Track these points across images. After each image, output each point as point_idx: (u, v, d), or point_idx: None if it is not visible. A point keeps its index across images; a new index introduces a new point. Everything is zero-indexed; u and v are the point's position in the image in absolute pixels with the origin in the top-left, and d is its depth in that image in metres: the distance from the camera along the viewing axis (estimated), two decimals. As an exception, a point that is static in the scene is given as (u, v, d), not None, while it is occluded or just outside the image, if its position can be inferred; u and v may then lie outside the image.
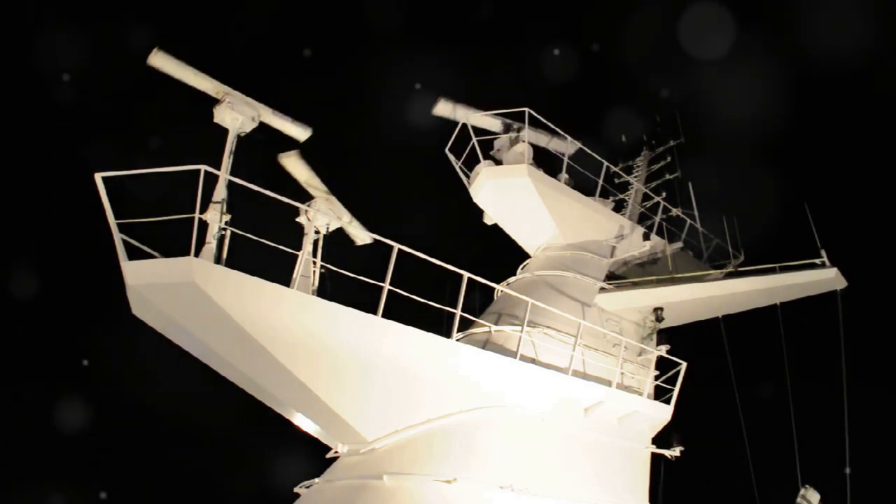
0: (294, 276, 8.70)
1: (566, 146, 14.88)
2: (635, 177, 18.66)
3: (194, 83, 8.37)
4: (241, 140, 8.62)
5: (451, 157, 14.68)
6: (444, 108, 14.40)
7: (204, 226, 7.73)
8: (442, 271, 9.30)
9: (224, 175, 7.89)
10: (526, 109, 13.89)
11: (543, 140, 14.82)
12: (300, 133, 9.15)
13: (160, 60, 8.17)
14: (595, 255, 14.18)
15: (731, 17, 26.16)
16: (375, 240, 9.23)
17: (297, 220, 9.51)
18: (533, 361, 10.72)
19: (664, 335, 13.70)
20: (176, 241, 7.25)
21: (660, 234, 15.90)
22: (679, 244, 15.92)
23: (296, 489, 9.50)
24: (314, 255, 9.22)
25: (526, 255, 15.18)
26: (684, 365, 12.52)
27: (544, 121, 14.08)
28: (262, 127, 8.83)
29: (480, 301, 11.95)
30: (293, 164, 9.39)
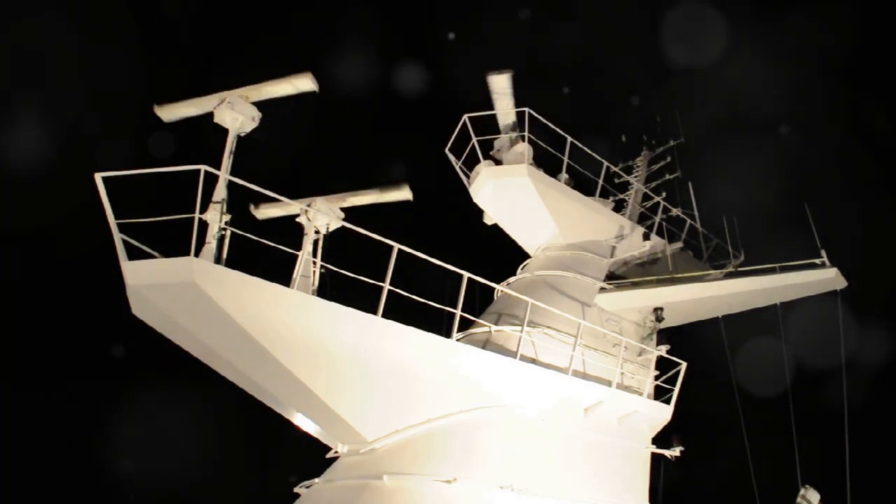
0: (294, 276, 8.70)
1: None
2: (635, 177, 18.66)
3: (203, 110, 8.44)
4: (241, 140, 8.62)
5: (451, 157, 14.68)
6: (499, 82, 13.92)
7: (204, 226, 7.73)
8: (442, 271, 9.31)
9: (224, 175, 7.89)
10: (526, 110, 13.89)
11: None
12: (300, 86, 8.60)
13: (168, 113, 8.41)
14: (595, 255, 14.19)
15: (731, 14, 26.18)
16: (376, 240, 9.21)
17: (297, 220, 9.53)
18: (533, 361, 10.72)
19: (664, 335, 13.71)
20: (176, 241, 7.25)
21: (660, 234, 15.90)
22: (679, 244, 15.93)
23: (296, 489, 9.51)
24: (314, 255, 9.22)
25: (526, 255, 15.18)
26: (684, 365, 12.52)
27: (544, 121, 14.08)
28: (263, 127, 8.82)
29: (480, 301, 11.96)
30: (392, 195, 9.50)
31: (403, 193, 9.77)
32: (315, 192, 9.65)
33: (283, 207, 9.78)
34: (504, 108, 14.32)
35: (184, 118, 8.48)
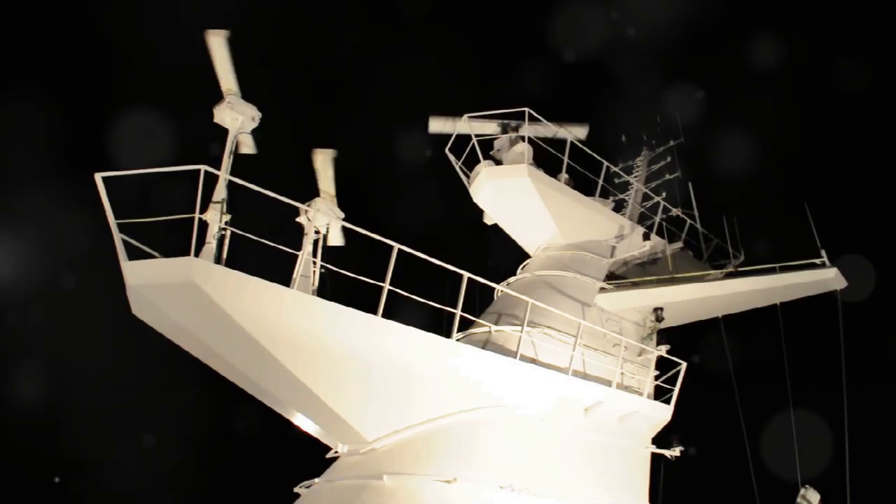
0: (294, 276, 8.70)
1: (578, 131, 14.71)
2: (635, 177, 18.66)
3: (220, 75, 8.30)
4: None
5: (451, 157, 14.68)
6: (438, 125, 14.37)
7: (204, 226, 7.74)
8: (442, 271, 9.31)
9: (224, 175, 7.89)
10: (526, 109, 13.89)
11: (550, 131, 14.66)
12: (249, 147, 8.88)
13: (217, 42, 8.04)
14: (595, 255, 14.18)
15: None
16: (374, 239, 9.20)
17: (297, 220, 9.52)
18: (533, 361, 10.72)
19: (664, 335, 13.71)
20: (176, 241, 7.25)
21: (660, 234, 15.89)
22: (679, 244, 15.91)
23: (296, 489, 9.50)
24: (314, 255, 9.22)
25: (526, 255, 15.18)
26: (684, 365, 12.52)
27: (544, 121, 14.08)
28: (263, 127, 8.81)
29: (480, 301, 11.97)
30: (323, 163, 9.38)
31: (326, 155, 9.65)
32: (315, 193, 9.65)
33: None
34: (468, 130, 14.39)
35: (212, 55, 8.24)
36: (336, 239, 9.84)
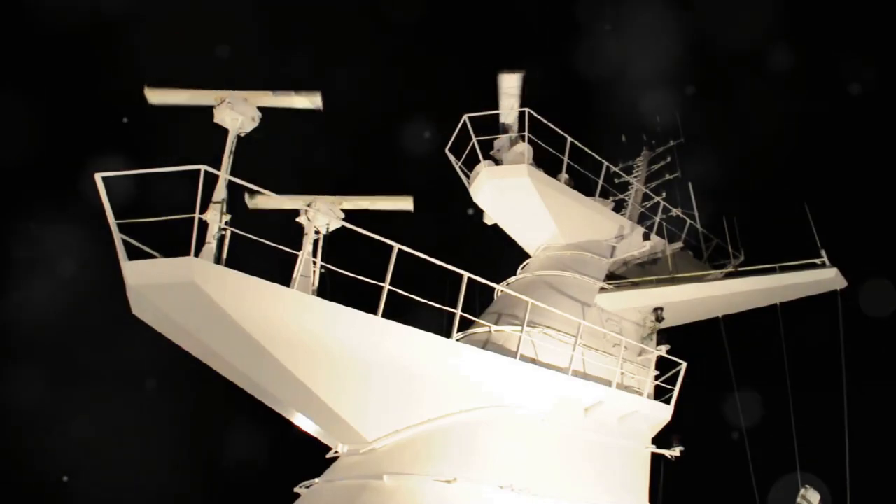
0: (294, 276, 8.70)
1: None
2: (635, 177, 18.67)
3: (195, 102, 8.32)
4: (241, 140, 8.61)
5: (451, 157, 14.67)
6: (509, 81, 13.82)
7: (204, 226, 7.73)
8: (442, 271, 9.31)
9: (224, 175, 7.89)
10: (526, 109, 13.87)
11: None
12: (311, 102, 8.68)
13: (157, 97, 8.15)
14: (595, 255, 14.19)
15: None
16: (376, 240, 9.18)
17: (297, 220, 9.52)
18: (533, 361, 10.72)
19: (664, 335, 13.72)
20: (176, 241, 7.25)
21: (660, 234, 15.90)
22: (679, 244, 15.93)
23: (296, 489, 9.51)
24: (314, 255, 9.22)
25: (526, 255, 15.18)
26: (684, 365, 12.53)
27: (544, 121, 14.07)
28: (263, 126, 8.78)
29: (480, 301, 11.97)
30: (395, 204, 9.39)
31: (405, 203, 9.69)
32: (315, 192, 9.64)
33: (278, 201, 9.59)
34: (507, 107, 14.26)
35: (172, 105, 8.33)
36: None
